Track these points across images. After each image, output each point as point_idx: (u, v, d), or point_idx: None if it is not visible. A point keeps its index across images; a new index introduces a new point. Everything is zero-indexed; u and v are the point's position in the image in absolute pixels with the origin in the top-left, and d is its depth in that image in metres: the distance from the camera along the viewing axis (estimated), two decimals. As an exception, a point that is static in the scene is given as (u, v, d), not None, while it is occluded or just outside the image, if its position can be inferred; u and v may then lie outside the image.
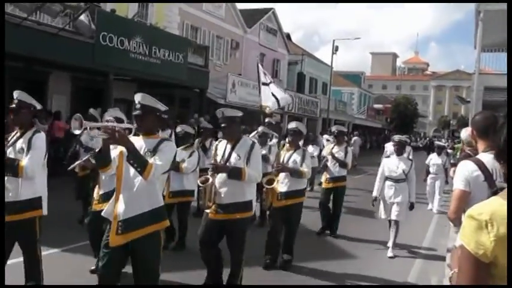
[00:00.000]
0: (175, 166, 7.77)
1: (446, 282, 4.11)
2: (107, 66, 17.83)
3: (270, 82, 13.08)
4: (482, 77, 22.91)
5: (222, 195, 6.13)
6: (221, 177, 6.14)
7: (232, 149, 6.19)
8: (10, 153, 5.26)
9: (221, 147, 6.37)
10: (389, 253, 9.36)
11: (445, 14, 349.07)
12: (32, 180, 5.27)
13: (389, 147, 16.62)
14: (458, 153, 24.95)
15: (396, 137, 9.90)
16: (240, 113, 6.30)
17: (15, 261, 5.75)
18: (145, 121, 4.74)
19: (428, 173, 15.85)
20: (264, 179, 7.19)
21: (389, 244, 9.53)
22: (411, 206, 9.49)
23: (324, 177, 11.05)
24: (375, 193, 9.66)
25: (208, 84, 25.00)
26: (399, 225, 9.60)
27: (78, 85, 20.47)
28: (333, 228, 10.84)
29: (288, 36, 46.67)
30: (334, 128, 11.54)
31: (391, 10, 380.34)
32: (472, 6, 22.15)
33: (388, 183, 9.54)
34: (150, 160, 4.44)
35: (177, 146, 6.79)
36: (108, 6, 21.07)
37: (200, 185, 6.38)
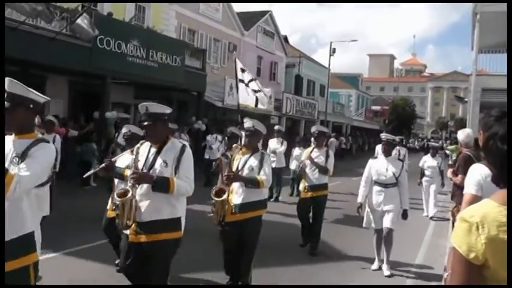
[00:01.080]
0: (120, 174, 6.04)
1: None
2: (104, 70, 17.82)
3: (252, 80, 12.74)
4: (479, 79, 22.93)
5: (143, 211, 4.86)
6: (143, 189, 4.86)
7: (158, 153, 4.93)
8: None
9: (143, 151, 5.08)
10: (386, 271, 8.06)
11: (442, 16, 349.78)
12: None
13: (379, 148, 16.12)
14: (454, 155, 25.02)
15: (383, 135, 8.44)
16: (168, 110, 5.06)
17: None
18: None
19: (422, 175, 14.77)
20: (212, 190, 6.34)
21: (384, 260, 8.18)
22: (404, 214, 8.05)
23: (302, 185, 9.58)
24: (359, 199, 8.32)
25: (206, 87, 24.98)
26: (393, 236, 8.08)
27: (75, 89, 20.44)
28: (312, 245, 9.26)
29: (286, 38, 46.69)
30: (314, 128, 9.90)
31: (388, 12, 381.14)
32: (468, 8, 22.11)
33: (376, 188, 8.14)
34: (14, 170, 3.44)
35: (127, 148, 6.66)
36: (105, 10, 21.06)
37: (117, 199, 4.89)
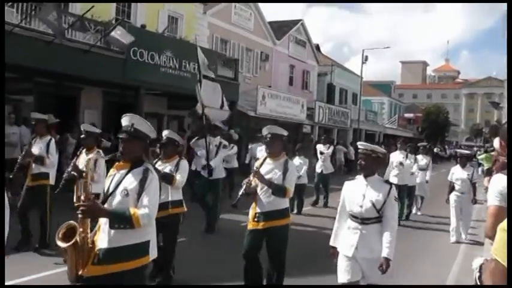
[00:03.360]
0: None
1: None
2: (138, 81, 17.98)
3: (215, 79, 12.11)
4: (515, 84, 22.55)
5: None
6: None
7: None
8: None
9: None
10: None
11: (476, 22, 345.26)
12: None
13: (395, 157, 14.19)
14: (486, 164, 24.49)
15: (360, 144, 5.65)
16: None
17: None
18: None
19: (452, 190, 12.15)
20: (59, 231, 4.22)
21: None
22: (385, 266, 5.04)
23: (252, 211, 6.67)
24: (332, 241, 5.67)
25: (239, 97, 25.03)
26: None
27: (109, 100, 20.68)
28: None
29: (317, 47, 46.61)
30: (265, 131, 6.69)
31: (421, 19, 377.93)
32: (503, 12, 21.80)
33: (349, 223, 5.48)
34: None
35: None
36: (138, 22, 21.29)
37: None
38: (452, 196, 12.10)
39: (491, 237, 3.85)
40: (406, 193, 14.44)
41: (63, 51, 15.16)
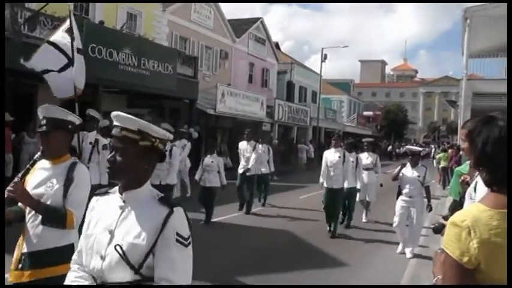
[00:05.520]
0: None
1: None
2: (96, 78, 17.73)
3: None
4: (470, 83, 23.05)
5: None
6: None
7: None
8: None
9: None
10: None
11: (434, 22, 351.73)
12: None
13: (330, 156, 11.88)
14: (443, 162, 24.93)
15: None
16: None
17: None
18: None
19: (399, 194, 10.29)
20: None
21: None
22: None
23: (16, 252, 3.99)
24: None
25: (198, 95, 24.97)
26: None
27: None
28: None
29: (277, 45, 46.80)
30: (40, 113, 4.02)
31: (380, 19, 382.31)
32: (460, 13, 22.24)
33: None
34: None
35: None
36: (96, 18, 21.07)
37: None
38: (399, 202, 10.26)
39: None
40: (345, 197, 12.43)
41: (19, 47, 14.92)
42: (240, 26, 37.78)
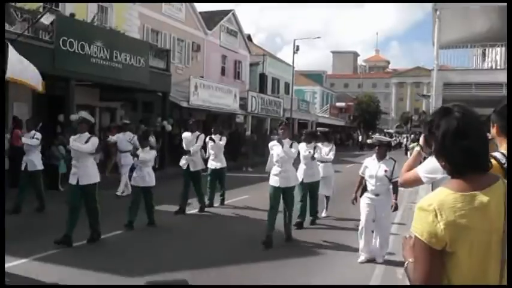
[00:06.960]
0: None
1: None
2: (68, 72, 17.62)
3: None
4: (441, 73, 23.35)
5: None
6: None
7: None
8: None
9: None
10: None
11: (406, 14, 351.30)
12: None
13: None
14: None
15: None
16: None
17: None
18: None
19: (363, 191, 9.04)
20: None
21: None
22: None
23: None
24: None
25: (171, 88, 24.91)
26: None
27: (39, 92, 20.13)
28: None
29: (249, 37, 46.82)
30: None
31: (352, 11, 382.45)
32: (431, 5, 22.53)
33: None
34: None
35: None
36: (67, 11, 20.87)
37: None
38: (364, 199, 8.98)
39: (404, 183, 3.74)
40: (310, 192, 11.89)
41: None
42: (211, 18, 37.68)
